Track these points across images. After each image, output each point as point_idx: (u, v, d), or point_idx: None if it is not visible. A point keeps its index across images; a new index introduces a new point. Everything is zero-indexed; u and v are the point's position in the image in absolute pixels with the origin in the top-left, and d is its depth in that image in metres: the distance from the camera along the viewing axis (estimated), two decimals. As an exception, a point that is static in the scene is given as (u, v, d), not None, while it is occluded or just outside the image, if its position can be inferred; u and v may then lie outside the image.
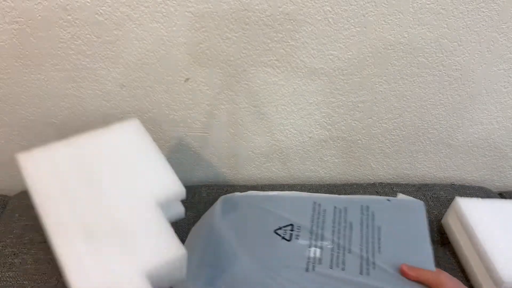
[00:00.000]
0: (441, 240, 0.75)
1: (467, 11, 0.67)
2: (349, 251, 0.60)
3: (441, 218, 0.77)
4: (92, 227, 0.51)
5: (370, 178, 0.90)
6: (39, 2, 0.63)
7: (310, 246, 0.61)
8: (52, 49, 0.68)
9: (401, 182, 0.88)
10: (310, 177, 0.90)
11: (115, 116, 0.77)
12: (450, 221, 0.74)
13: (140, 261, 0.49)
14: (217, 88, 0.74)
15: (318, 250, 0.61)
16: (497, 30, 0.69)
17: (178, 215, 0.59)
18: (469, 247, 0.69)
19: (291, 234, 0.63)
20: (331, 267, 0.59)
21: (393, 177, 0.90)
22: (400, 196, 0.72)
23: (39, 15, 0.64)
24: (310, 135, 0.82)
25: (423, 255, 0.59)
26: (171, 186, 0.56)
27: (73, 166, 0.57)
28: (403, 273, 0.57)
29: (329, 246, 0.61)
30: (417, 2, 0.65)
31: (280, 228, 0.65)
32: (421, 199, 0.81)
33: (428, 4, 0.65)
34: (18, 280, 0.64)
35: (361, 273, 0.58)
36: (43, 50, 0.68)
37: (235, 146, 0.83)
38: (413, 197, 0.81)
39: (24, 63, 0.69)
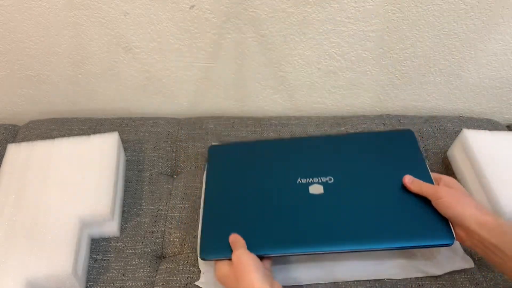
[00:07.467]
0: (446, 171, 0.76)
1: None
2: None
3: (447, 150, 0.77)
4: (17, 225, 0.59)
5: (378, 110, 0.90)
6: None
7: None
8: (51, -27, 0.65)
9: (409, 114, 0.88)
10: (317, 109, 0.89)
11: (120, 45, 0.75)
12: (455, 152, 0.74)
13: (29, 270, 0.56)
14: (223, 16, 0.71)
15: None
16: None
17: (107, 233, 0.66)
18: (473, 179, 0.70)
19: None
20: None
21: (401, 109, 0.89)
22: None
23: None
24: (318, 66, 0.80)
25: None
26: (98, 210, 0.62)
27: (40, 166, 0.66)
28: (405, 185, 0.61)
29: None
30: None
31: None
32: (428, 131, 0.81)
33: None
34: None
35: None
36: (42, -26, 0.65)
37: (242, 77, 0.82)
38: (419, 129, 0.81)
39: (23, -12, 0.67)
